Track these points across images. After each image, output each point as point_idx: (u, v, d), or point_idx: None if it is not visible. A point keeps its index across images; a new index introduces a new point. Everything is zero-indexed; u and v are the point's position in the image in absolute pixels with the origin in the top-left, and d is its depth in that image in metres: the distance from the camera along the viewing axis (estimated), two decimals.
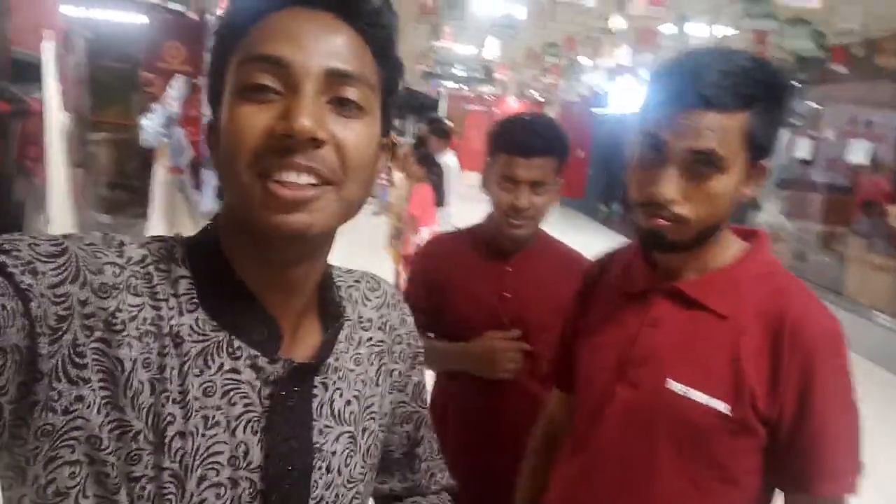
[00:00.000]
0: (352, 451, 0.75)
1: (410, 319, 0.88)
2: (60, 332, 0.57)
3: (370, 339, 0.81)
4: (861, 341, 6.45)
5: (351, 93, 0.64)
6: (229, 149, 0.62)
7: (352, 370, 0.77)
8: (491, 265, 1.68)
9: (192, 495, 0.62)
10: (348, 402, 0.75)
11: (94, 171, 7.50)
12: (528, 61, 9.80)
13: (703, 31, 6.89)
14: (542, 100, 19.78)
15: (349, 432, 0.75)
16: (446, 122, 7.45)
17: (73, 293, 0.58)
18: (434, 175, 5.34)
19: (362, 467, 0.77)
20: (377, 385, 0.80)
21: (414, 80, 17.31)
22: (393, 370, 0.84)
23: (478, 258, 1.70)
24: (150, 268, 0.64)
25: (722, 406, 0.99)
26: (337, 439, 0.73)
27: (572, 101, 15.30)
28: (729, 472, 1.03)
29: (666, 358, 1.05)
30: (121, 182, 8.45)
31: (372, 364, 0.80)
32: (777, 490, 1.07)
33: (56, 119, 3.44)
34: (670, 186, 0.97)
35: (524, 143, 1.55)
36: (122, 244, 0.64)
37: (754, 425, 1.00)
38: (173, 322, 0.63)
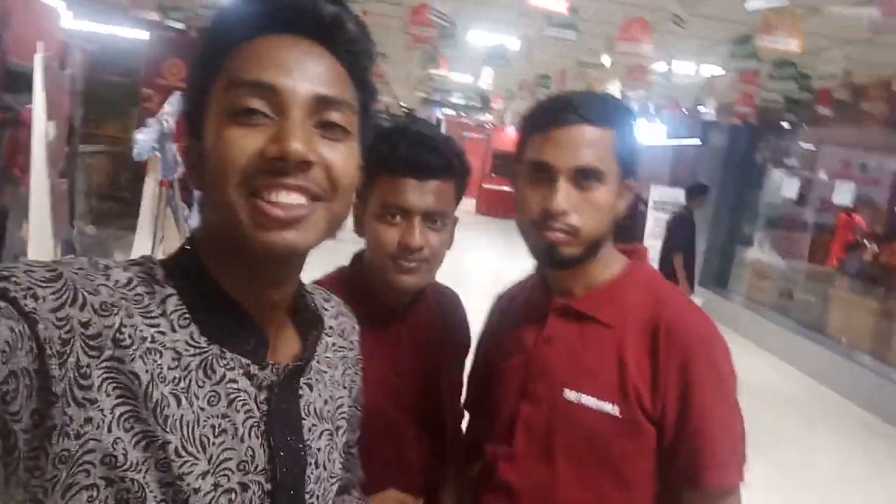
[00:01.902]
0: (331, 447, 0.79)
1: (357, 326, 0.94)
2: (65, 356, 0.57)
3: (334, 344, 0.86)
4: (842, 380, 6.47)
5: (336, 117, 0.68)
6: (218, 169, 0.64)
7: (325, 372, 0.82)
8: (377, 333, 1.19)
9: (210, 501, 0.64)
10: (325, 402, 0.80)
11: (87, 182, 7.55)
12: (521, 92, 9.91)
13: (691, 69, 7.00)
14: None
15: (328, 430, 0.79)
16: None
17: (74, 316, 0.58)
18: None
19: (340, 463, 0.82)
20: (344, 387, 0.86)
21: (413, 106, 17.48)
22: (349, 374, 0.89)
23: (365, 323, 1.18)
24: (138, 289, 0.65)
25: (611, 408, 1.06)
26: (320, 436, 0.77)
27: None
28: (624, 476, 1.08)
29: (560, 370, 1.12)
30: (113, 194, 8.51)
31: (337, 368, 0.85)
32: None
33: (41, 129, 3.49)
34: (563, 197, 1.06)
35: (416, 160, 1.17)
36: (107, 268, 0.65)
37: (643, 425, 1.06)
38: (169, 338, 0.65)
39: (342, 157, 0.68)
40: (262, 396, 0.70)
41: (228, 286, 0.70)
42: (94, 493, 0.58)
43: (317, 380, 0.79)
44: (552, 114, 1.09)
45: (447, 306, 1.42)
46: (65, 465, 0.57)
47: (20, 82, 4.87)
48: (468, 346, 1.42)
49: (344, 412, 0.85)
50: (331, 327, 0.86)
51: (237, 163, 0.63)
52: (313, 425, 0.76)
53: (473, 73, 9.56)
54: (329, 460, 0.78)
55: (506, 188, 20.79)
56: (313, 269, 0.97)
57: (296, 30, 0.68)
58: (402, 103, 17.75)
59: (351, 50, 0.71)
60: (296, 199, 0.64)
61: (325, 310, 0.86)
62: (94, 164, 8.23)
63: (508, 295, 1.36)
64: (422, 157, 1.17)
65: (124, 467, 0.59)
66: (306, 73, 0.66)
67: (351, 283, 1.27)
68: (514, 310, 1.28)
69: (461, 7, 5.31)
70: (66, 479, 0.57)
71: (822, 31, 5.07)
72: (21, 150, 4.85)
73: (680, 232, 6.71)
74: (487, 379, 1.27)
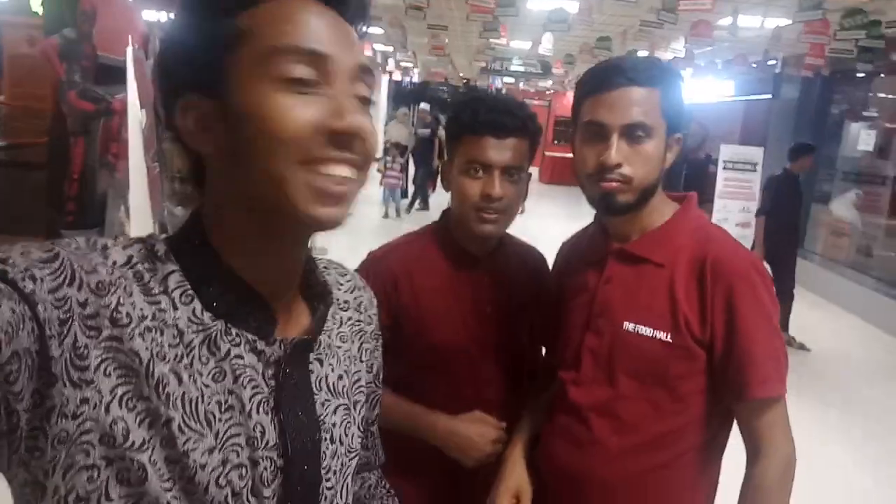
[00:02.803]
0: (348, 422, 0.78)
1: (375, 301, 0.93)
2: (63, 336, 0.57)
3: (349, 318, 0.85)
4: None
5: (369, 83, 0.68)
6: (268, 138, 0.61)
7: (339, 347, 0.80)
8: (462, 275, 1.45)
9: (217, 477, 0.63)
10: (340, 377, 0.78)
11: (168, 165, 7.97)
12: (582, 55, 9.82)
13: (755, 23, 6.82)
14: None
15: (345, 405, 0.78)
16: None
17: (72, 295, 0.58)
18: None
19: (359, 438, 0.81)
20: (361, 361, 0.85)
21: (473, 76, 17.43)
22: (367, 348, 0.87)
23: (445, 268, 1.45)
24: (139, 266, 0.64)
25: (664, 335, 1.22)
26: (335, 412, 0.76)
27: None
28: (677, 392, 1.24)
29: (619, 306, 1.28)
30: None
31: (353, 342, 0.84)
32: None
33: (135, 117, 3.79)
34: (616, 152, 1.21)
35: (495, 121, 1.35)
36: (105, 247, 0.64)
37: (693, 349, 1.22)
38: (170, 315, 0.64)
39: (371, 126, 0.67)
40: (270, 372, 0.69)
41: (235, 261, 0.68)
42: (95, 474, 0.58)
43: (328, 354, 0.77)
44: (603, 78, 1.24)
45: (528, 259, 1.58)
46: (63, 445, 0.57)
47: (109, 74, 5.22)
48: (548, 295, 1.55)
49: (361, 387, 0.83)
50: (346, 301, 0.85)
51: (295, 133, 0.61)
52: (326, 400, 0.75)
53: (533, 39, 9.53)
54: (346, 435, 0.77)
55: (568, 155, 20.51)
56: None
57: None
58: (461, 74, 17.75)
59: (359, 15, 0.71)
60: (348, 172, 0.64)
61: (340, 285, 0.86)
62: (173, 149, 8.65)
63: (572, 241, 1.53)
64: (499, 119, 1.35)
65: (125, 446, 0.58)
66: (346, 42, 0.66)
67: (439, 234, 1.49)
68: (578, 254, 1.45)
69: None
70: (66, 459, 0.57)
71: None
72: (114, 138, 5.21)
73: (766, 194, 6.14)
74: (557, 316, 1.44)
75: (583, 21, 6.14)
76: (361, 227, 8.96)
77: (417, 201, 11.67)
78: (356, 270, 1.43)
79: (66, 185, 5.16)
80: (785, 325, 5.79)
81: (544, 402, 1.45)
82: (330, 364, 0.77)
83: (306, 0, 0.65)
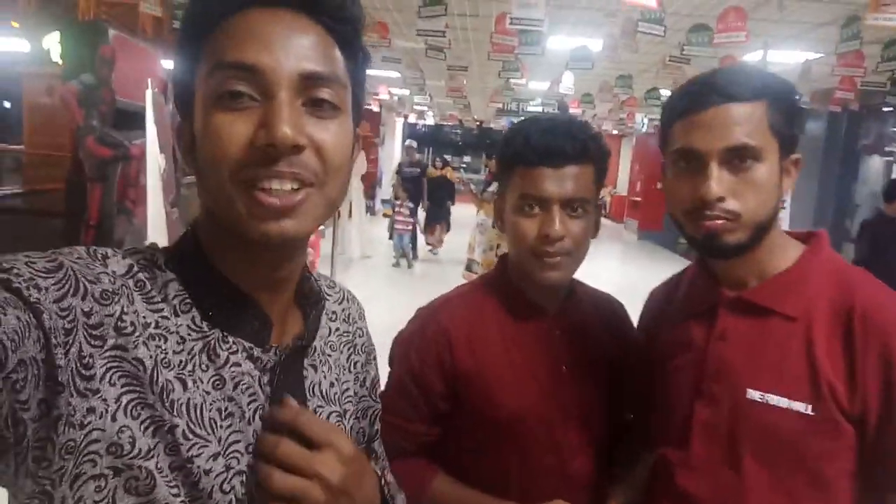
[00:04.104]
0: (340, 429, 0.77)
1: (364, 313, 0.91)
2: (68, 346, 0.56)
3: (338, 329, 0.84)
4: None
5: (324, 93, 0.64)
6: (210, 159, 0.62)
7: (329, 355, 0.80)
8: (530, 330, 1.23)
9: (222, 483, 0.63)
10: (332, 384, 0.78)
11: (186, 210, 7.91)
12: (601, 94, 9.76)
13: (786, 58, 6.70)
14: (617, 132, 19.57)
15: (337, 412, 0.78)
16: None
17: (76, 305, 0.58)
18: None
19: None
20: (349, 372, 0.84)
21: (487, 118, 17.50)
22: (356, 361, 0.86)
23: (509, 323, 1.23)
24: (140, 275, 0.64)
25: (803, 407, 0.98)
26: (328, 418, 0.76)
27: (649, 133, 15.10)
28: (820, 478, 1.00)
29: (740, 368, 1.04)
30: None
31: (342, 352, 0.83)
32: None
33: (154, 162, 3.66)
34: (717, 183, 0.99)
35: (550, 147, 1.14)
36: (105, 257, 0.64)
37: (840, 423, 0.98)
38: (172, 323, 0.64)
39: (333, 136, 0.64)
40: (266, 379, 0.69)
41: (229, 270, 0.68)
42: (103, 483, 0.57)
43: (321, 361, 0.78)
44: (694, 96, 1.03)
45: (605, 310, 1.36)
46: (71, 455, 0.56)
47: (127, 120, 5.17)
48: (633, 351, 1.34)
49: (350, 397, 0.83)
50: (334, 312, 0.85)
51: (228, 152, 0.61)
52: (319, 406, 0.75)
53: (552, 78, 9.49)
54: None
55: None
56: None
57: (277, 2, 0.64)
58: (475, 116, 17.82)
59: (338, 17, 0.66)
60: (288, 185, 0.62)
61: (329, 296, 0.85)
62: (190, 196, 8.63)
63: (665, 289, 1.29)
64: (554, 144, 1.14)
65: (132, 455, 0.58)
66: (291, 49, 0.62)
67: (498, 284, 1.27)
68: (675, 304, 1.21)
69: (541, 11, 5.26)
70: (73, 469, 0.56)
71: None
72: (132, 183, 5.12)
73: (861, 243, 5.41)
74: (653, 381, 1.21)
75: (608, 58, 6.04)
76: (368, 278, 8.60)
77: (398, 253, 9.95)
78: (403, 330, 1.28)
79: (83, 231, 5.06)
80: None
81: (639, 478, 1.22)
82: (323, 371, 0.78)
83: (263, 11, 0.63)
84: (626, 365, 1.29)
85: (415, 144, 11.65)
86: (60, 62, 5.50)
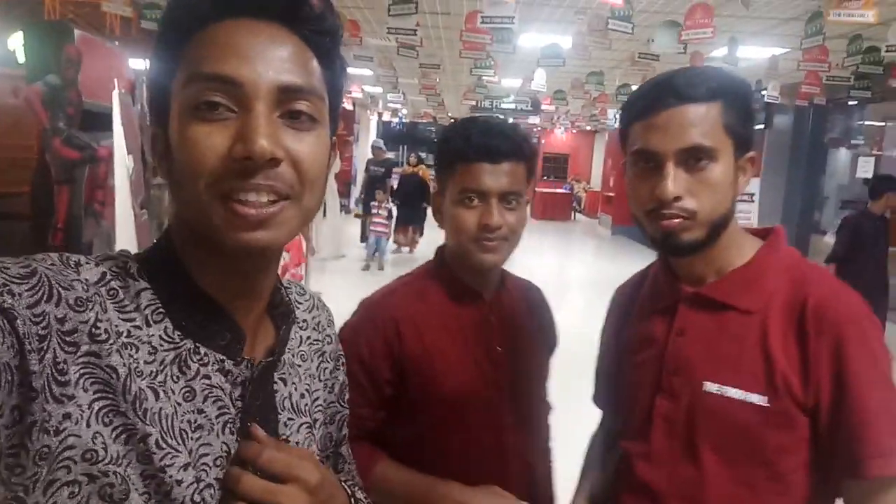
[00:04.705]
0: (310, 440, 0.79)
1: (333, 319, 0.92)
2: (43, 352, 0.56)
3: (308, 337, 0.85)
4: None
5: (302, 105, 0.65)
6: (187, 170, 0.62)
7: (300, 365, 0.81)
8: (468, 314, 1.32)
9: (193, 493, 0.63)
10: (302, 395, 0.79)
11: (157, 212, 7.81)
12: (573, 91, 9.81)
13: (754, 53, 6.80)
14: (590, 128, 19.71)
15: (307, 423, 0.79)
16: None
17: (50, 312, 0.58)
18: None
19: (319, 456, 0.80)
20: (320, 381, 0.85)
21: (462, 115, 17.50)
22: (326, 368, 0.87)
23: (449, 307, 1.33)
24: (112, 283, 0.64)
25: (759, 399, 1.01)
26: (298, 430, 0.77)
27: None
28: (776, 469, 1.02)
29: (698, 362, 1.07)
30: None
31: (313, 361, 0.84)
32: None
33: (122, 163, 3.61)
34: (673, 183, 1.02)
35: (488, 145, 1.25)
36: (78, 264, 0.63)
37: (794, 415, 1.00)
38: (144, 333, 0.64)
39: (309, 149, 0.65)
40: (237, 393, 0.69)
41: (203, 281, 0.68)
42: (76, 490, 0.57)
43: (290, 373, 0.78)
44: (650, 98, 1.05)
45: (533, 299, 1.47)
46: (45, 461, 0.56)
47: (95, 121, 5.08)
48: (555, 342, 1.48)
49: (320, 405, 0.84)
50: (304, 321, 0.85)
51: (205, 164, 0.61)
52: (289, 419, 0.76)
53: (524, 76, 9.52)
54: None
55: (559, 190, 20.63)
56: None
57: (255, 13, 0.64)
58: (450, 113, 17.82)
59: (316, 29, 0.67)
60: (265, 197, 0.63)
61: (299, 304, 0.85)
62: (159, 197, 8.52)
63: (629, 286, 1.32)
64: (492, 142, 1.25)
65: (105, 461, 0.58)
66: (268, 62, 0.63)
67: (438, 273, 1.37)
68: (638, 301, 1.24)
69: (512, 9, 5.28)
70: (47, 475, 0.56)
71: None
72: (100, 185, 5.04)
73: (841, 239, 5.12)
74: (617, 375, 1.24)
75: (578, 55, 6.08)
76: (340, 278, 8.53)
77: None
78: (349, 321, 1.31)
79: (50, 235, 4.97)
80: None
81: (608, 467, 1.25)
82: (293, 383, 0.78)
83: (241, 22, 0.64)
84: (547, 347, 1.42)
85: (381, 144, 11.35)
86: (24, 63, 5.39)
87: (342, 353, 0.92)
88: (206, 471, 0.65)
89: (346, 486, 0.81)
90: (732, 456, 1.03)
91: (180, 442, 0.63)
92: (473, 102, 13.08)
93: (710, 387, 1.04)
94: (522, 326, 1.37)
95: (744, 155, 1.07)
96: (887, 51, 5.08)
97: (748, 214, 7.59)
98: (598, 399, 1.37)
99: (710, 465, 1.04)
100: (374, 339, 1.27)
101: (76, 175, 4.97)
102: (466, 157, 1.26)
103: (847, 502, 1.03)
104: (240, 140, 0.61)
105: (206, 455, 0.65)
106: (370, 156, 11.41)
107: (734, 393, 1.02)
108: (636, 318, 1.22)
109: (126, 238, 3.44)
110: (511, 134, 1.27)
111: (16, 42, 5.78)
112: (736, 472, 1.03)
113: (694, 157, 1.02)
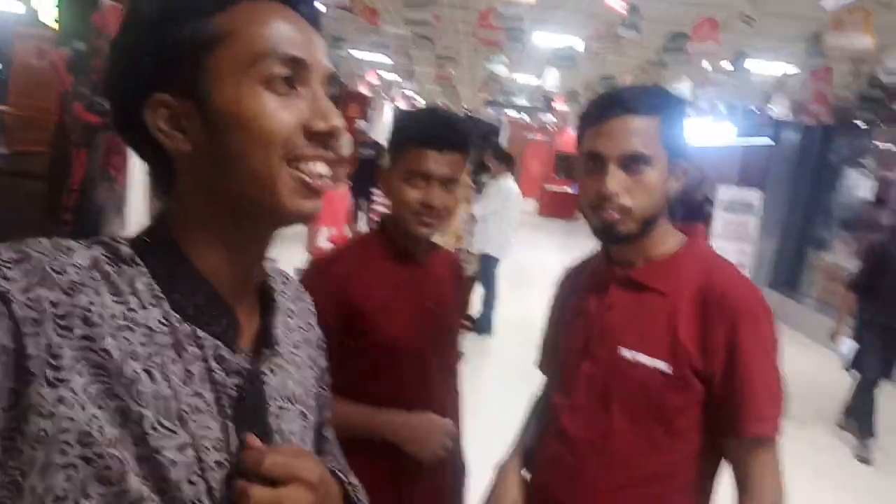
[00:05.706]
0: (305, 428, 0.80)
1: (314, 309, 0.93)
2: (38, 336, 0.57)
3: (298, 326, 0.86)
4: None
5: (335, 88, 0.73)
6: (256, 137, 0.65)
7: (293, 354, 0.82)
8: (405, 273, 1.54)
9: (189, 476, 0.64)
10: (295, 385, 0.80)
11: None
12: (585, 93, 9.92)
13: (762, 68, 6.89)
14: None
15: (301, 412, 0.79)
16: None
17: (44, 296, 0.58)
18: None
19: (314, 443, 0.84)
20: (310, 368, 0.86)
21: (476, 107, 17.60)
22: (311, 355, 0.88)
23: (390, 266, 1.53)
24: (105, 268, 0.64)
25: (663, 365, 1.20)
26: (293, 419, 0.77)
27: None
28: (672, 427, 1.22)
29: (617, 332, 1.26)
30: None
31: (301, 349, 0.85)
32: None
33: None
34: (613, 182, 1.20)
35: (441, 136, 1.45)
36: (70, 249, 0.63)
37: (691, 381, 1.19)
38: (140, 315, 0.64)
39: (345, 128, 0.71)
40: (233, 382, 0.69)
41: (203, 264, 0.69)
42: (73, 473, 0.57)
43: (285, 362, 0.79)
44: (601, 108, 1.24)
45: (455, 267, 1.76)
46: (41, 444, 0.57)
47: None
48: (467, 302, 1.73)
49: (312, 392, 0.85)
50: (291, 310, 0.85)
51: (281, 133, 0.65)
52: (281, 408, 0.75)
53: (537, 74, 9.62)
54: (304, 441, 0.79)
55: (568, 189, 20.64)
56: None
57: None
58: (464, 105, 17.91)
59: (318, 15, 0.73)
60: (325, 168, 0.69)
61: (284, 293, 0.85)
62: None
63: (576, 268, 1.52)
64: (443, 134, 1.45)
65: (102, 444, 0.58)
66: (319, 48, 0.70)
67: (382, 237, 1.57)
68: (581, 281, 1.44)
69: (526, 10, 5.41)
70: (44, 459, 0.57)
71: (889, 26, 4.95)
72: (116, 150, 5.21)
73: (866, 264, 4.75)
74: (556, 342, 1.43)
75: (590, 59, 6.20)
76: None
77: None
78: (303, 275, 1.50)
79: (64, 195, 5.13)
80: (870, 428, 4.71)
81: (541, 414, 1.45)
82: (287, 371, 0.78)
83: (277, 5, 0.68)
84: (461, 307, 1.64)
85: (364, 126, 10.80)
86: (57, 27, 5.54)
87: (322, 338, 0.93)
88: (206, 452, 0.65)
89: (340, 474, 0.85)
90: (637, 413, 1.23)
91: (177, 424, 0.63)
92: (489, 97, 13.18)
93: (625, 352, 1.24)
94: (447, 288, 1.63)
95: (676, 164, 1.26)
96: (887, 75, 5.18)
97: (746, 226, 7.70)
98: (541, 365, 1.57)
99: (619, 419, 1.24)
100: (324, 292, 1.35)
101: (95, 140, 5.14)
102: (420, 143, 1.45)
103: (728, 460, 1.24)
104: (318, 116, 0.67)
105: (206, 437, 0.65)
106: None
107: (643, 359, 1.22)
108: (576, 295, 1.41)
109: (137, 204, 3.63)
110: (458, 126, 1.49)
111: (46, 4, 5.93)
112: (639, 427, 1.23)
113: (633, 162, 1.21)
